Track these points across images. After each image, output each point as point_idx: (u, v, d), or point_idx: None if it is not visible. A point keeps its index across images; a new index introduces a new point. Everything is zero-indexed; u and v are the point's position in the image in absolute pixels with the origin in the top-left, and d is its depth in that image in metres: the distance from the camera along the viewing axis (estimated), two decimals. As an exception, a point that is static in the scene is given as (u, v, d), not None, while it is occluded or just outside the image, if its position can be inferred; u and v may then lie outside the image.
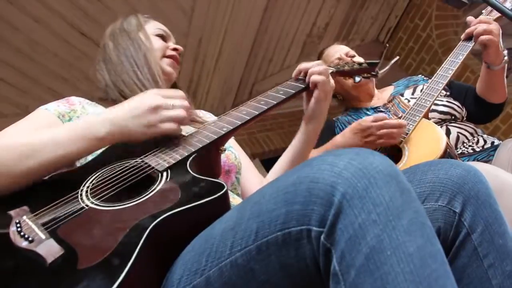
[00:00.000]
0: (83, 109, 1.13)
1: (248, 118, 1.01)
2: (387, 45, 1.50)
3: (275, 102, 1.07)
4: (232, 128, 0.98)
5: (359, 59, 2.03)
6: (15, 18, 2.57)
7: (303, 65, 1.22)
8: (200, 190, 0.78)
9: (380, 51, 1.57)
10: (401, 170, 0.90)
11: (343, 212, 0.57)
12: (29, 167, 0.83)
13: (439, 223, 0.80)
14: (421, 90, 1.83)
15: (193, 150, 0.91)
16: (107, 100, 1.21)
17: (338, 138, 1.64)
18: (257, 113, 1.03)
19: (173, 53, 1.31)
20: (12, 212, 0.77)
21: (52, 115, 1.07)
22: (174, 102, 0.93)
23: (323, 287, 0.60)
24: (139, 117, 0.89)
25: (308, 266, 0.60)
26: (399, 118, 1.65)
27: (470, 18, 1.73)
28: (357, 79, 1.37)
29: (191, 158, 0.89)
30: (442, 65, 1.71)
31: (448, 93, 1.91)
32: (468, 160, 1.67)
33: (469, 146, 1.74)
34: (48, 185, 0.87)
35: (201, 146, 0.92)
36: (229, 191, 1.06)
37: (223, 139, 0.97)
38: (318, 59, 2.17)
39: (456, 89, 1.93)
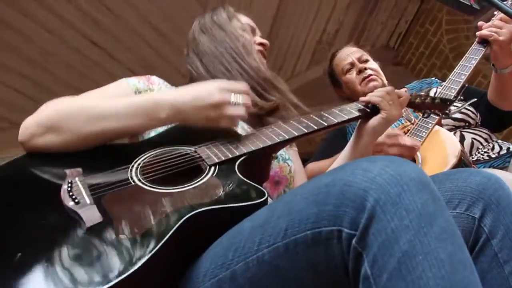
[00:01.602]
0: (160, 90, 1.16)
1: (306, 131, 0.99)
2: (466, 84, 1.44)
3: (336, 121, 1.04)
4: (288, 138, 0.97)
5: (373, 64, 2.01)
6: (28, 29, 2.61)
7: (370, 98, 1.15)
8: (241, 193, 0.81)
9: (461, 87, 1.45)
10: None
11: (376, 217, 0.58)
12: (90, 131, 0.90)
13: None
14: (435, 93, 1.81)
15: (245, 151, 0.92)
16: None
17: None
18: (316, 128, 1.01)
19: (260, 48, 1.30)
20: (67, 171, 0.83)
21: (130, 89, 1.11)
22: (238, 99, 0.93)
23: (350, 286, 0.60)
24: (201, 109, 0.91)
25: (336, 265, 0.61)
26: (412, 123, 1.63)
27: (480, 23, 1.71)
28: (426, 115, 1.34)
29: (241, 158, 0.91)
30: (454, 70, 1.68)
31: (462, 97, 1.88)
32: (484, 167, 1.65)
33: (485, 152, 1.72)
34: (104, 153, 0.93)
35: (253, 149, 0.93)
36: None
37: (277, 146, 0.98)
38: (330, 62, 2.15)
39: (471, 94, 1.89)
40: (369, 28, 4.32)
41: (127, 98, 0.97)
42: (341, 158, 1.26)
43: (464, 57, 1.70)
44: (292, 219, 0.64)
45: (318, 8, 3.77)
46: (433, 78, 2.05)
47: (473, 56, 1.67)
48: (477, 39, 1.71)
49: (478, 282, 0.57)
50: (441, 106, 1.25)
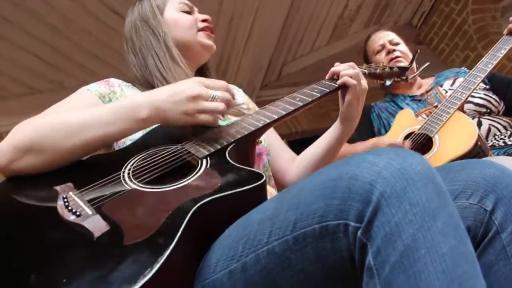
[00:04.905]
0: (122, 91, 1.17)
1: (284, 113, 1.05)
2: (418, 50, 1.55)
3: (310, 100, 1.12)
4: (269, 121, 1.01)
5: (402, 47, 2.09)
6: (51, -4, 2.62)
7: (335, 68, 1.24)
8: (240, 178, 0.81)
9: (413, 53, 1.67)
10: (434, 168, 0.91)
11: (380, 210, 0.59)
12: (73, 144, 0.87)
13: (468, 221, 0.80)
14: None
15: (232, 140, 0.94)
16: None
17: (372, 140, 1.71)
18: (292, 108, 1.07)
19: (206, 24, 1.31)
20: (58, 188, 0.81)
21: (94, 96, 1.10)
22: (216, 93, 0.93)
23: (357, 278, 0.62)
24: (178, 104, 0.90)
25: (343, 258, 0.62)
26: (434, 107, 1.65)
27: None
28: (388, 82, 1.43)
29: (230, 147, 0.92)
30: (482, 59, 1.69)
31: (487, 87, 1.89)
32: (498, 154, 1.65)
33: (501, 139, 1.71)
34: (90, 166, 0.92)
35: (239, 137, 0.95)
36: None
37: (260, 131, 1.01)
38: (365, 43, 2.24)
39: (497, 82, 1.90)
40: (392, 5, 4.24)
41: (104, 106, 0.96)
42: (325, 140, 1.33)
43: (495, 46, 1.72)
44: (301, 213, 0.65)
45: (341, -17, 3.70)
46: (462, 68, 2.07)
47: (503, 46, 1.69)
48: (506, 31, 1.71)
49: (479, 274, 0.58)
50: (398, 72, 1.42)
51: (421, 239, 0.57)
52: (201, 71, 1.38)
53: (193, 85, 0.93)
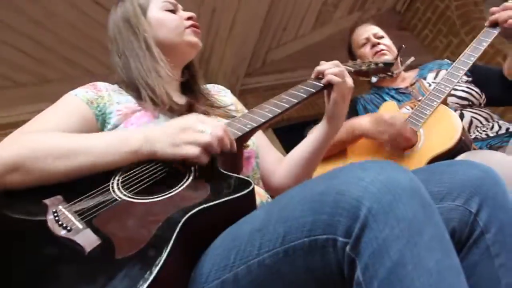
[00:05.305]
0: (110, 96, 1.14)
1: (271, 116, 1.05)
2: (404, 46, 1.58)
3: (296, 101, 1.12)
4: (255, 125, 1.02)
5: (386, 40, 2.12)
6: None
7: (320, 67, 1.24)
8: (229, 186, 0.82)
9: (397, 48, 1.69)
10: (419, 169, 0.92)
11: (368, 226, 0.60)
12: (65, 170, 0.87)
13: (454, 222, 0.82)
14: None
15: None
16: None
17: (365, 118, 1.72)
18: (279, 111, 1.08)
19: (191, 22, 1.28)
20: (47, 201, 0.81)
21: (81, 102, 1.08)
22: (205, 128, 0.88)
23: None
24: (169, 135, 0.88)
25: (332, 271, 0.64)
26: (419, 101, 1.67)
27: (492, 9, 1.71)
28: (374, 79, 1.48)
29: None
30: (465, 51, 1.69)
31: (470, 79, 1.92)
32: (481, 146, 1.68)
33: (483, 131, 1.74)
34: None
35: None
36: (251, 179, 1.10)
37: (246, 136, 1.01)
38: (350, 36, 2.25)
39: (478, 74, 1.93)
40: (376, -9, 4.24)
41: (97, 136, 0.95)
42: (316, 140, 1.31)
43: (476, 38, 1.72)
44: (289, 226, 0.66)
45: (324, -31, 3.68)
46: (445, 60, 2.10)
47: (484, 38, 1.69)
48: (487, 23, 1.71)
49: (464, 285, 0.60)
50: (384, 68, 1.45)
51: (408, 255, 0.58)
52: (188, 69, 1.36)
53: (186, 118, 0.91)
